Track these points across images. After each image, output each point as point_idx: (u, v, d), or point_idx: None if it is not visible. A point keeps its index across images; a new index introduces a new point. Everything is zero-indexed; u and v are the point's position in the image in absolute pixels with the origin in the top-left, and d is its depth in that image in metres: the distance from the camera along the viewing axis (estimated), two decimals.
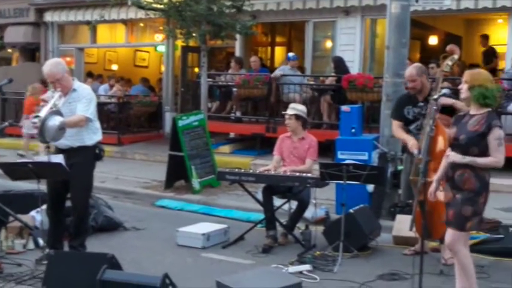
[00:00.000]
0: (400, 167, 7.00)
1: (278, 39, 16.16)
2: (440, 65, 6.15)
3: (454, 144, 4.61)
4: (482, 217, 4.63)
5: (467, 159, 4.49)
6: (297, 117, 6.80)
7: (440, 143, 5.51)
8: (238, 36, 12.55)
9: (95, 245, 6.07)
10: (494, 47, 12.87)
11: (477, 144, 4.51)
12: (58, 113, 5.38)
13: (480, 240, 5.99)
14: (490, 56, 12.60)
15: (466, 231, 4.61)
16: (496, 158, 4.49)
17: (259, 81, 11.31)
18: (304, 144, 6.85)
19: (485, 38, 13.12)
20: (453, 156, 4.55)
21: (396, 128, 6.32)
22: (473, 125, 4.55)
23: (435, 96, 5.40)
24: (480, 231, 5.82)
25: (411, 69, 6.18)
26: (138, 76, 16.03)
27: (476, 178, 4.51)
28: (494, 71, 10.90)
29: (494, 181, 4.68)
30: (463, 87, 4.65)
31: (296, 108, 6.95)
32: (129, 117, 13.94)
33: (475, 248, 5.64)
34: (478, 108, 4.60)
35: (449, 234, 4.62)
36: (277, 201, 6.73)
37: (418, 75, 6.09)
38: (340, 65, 10.87)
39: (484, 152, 4.51)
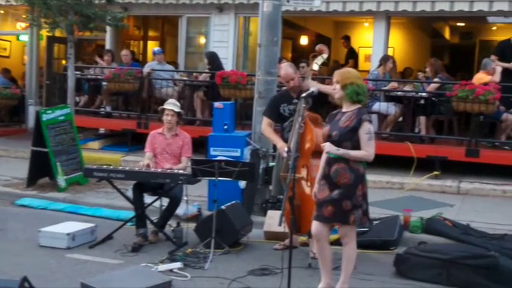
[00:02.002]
0: (271, 164, 7.09)
1: (151, 33, 15.86)
2: (310, 64, 6.29)
3: (328, 141, 4.75)
4: (365, 210, 4.78)
5: (341, 151, 4.64)
6: (178, 114, 6.76)
7: (308, 139, 5.64)
8: (108, 28, 12.15)
9: None
10: (354, 48, 13.56)
11: (349, 139, 4.66)
12: None
13: None
14: (351, 56, 13.26)
15: (350, 225, 4.75)
16: (366, 151, 4.66)
17: (130, 75, 11.01)
18: (178, 141, 6.76)
19: (347, 39, 13.77)
20: (328, 147, 4.68)
21: (266, 126, 6.37)
22: (344, 121, 4.71)
23: (304, 94, 5.52)
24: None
25: (287, 69, 6.20)
26: None
27: (350, 171, 4.66)
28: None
29: None
30: (336, 87, 4.79)
31: (176, 104, 6.89)
32: None
33: None
34: (350, 105, 4.77)
35: (340, 229, 4.83)
36: (148, 199, 6.56)
37: (295, 73, 6.19)
38: (213, 61, 10.83)
39: (357, 147, 4.68)
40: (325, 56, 6.17)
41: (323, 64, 6.40)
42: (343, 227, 4.79)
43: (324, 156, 4.85)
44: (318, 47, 6.20)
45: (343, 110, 4.81)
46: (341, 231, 4.84)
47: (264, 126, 6.39)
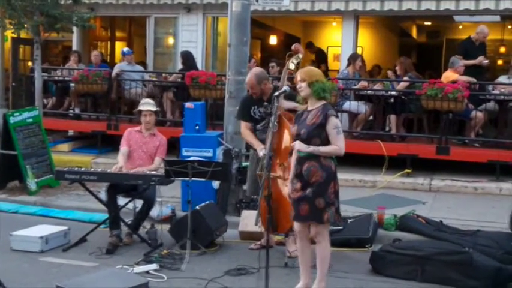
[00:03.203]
0: (244, 163, 7.08)
1: (118, 34, 15.70)
2: (285, 63, 6.29)
3: (297, 140, 4.76)
4: (337, 208, 4.80)
5: (311, 148, 4.66)
6: (155, 112, 6.73)
7: (286, 138, 5.64)
8: (75, 29, 11.98)
9: None
10: (323, 50, 13.64)
11: (318, 135, 4.68)
12: None
13: None
14: (321, 59, 13.34)
15: (324, 223, 4.76)
16: (336, 145, 4.69)
17: (98, 76, 10.87)
18: (155, 141, 6.74)
19: (310, 45, 13.85)
20: (298, 145, 4.71)
21: (244, 129, 6.37)
22: (311, 119, 4.73)
23: (276, 93, 5.52)
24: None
25: (252, 78, 6.18)
26: None
27: (322, 169, 4.67)
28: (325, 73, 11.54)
29: None
30: (302, 85, 4.80)
31: (152, 103, 6.85)
32: None
33: None
34: (315, 102, 4.80)
35: (313, 228, 4.79)
36: (121, 201, 6.49)
37: (258, 84, 6.15)
38: (187, 61, 10.74)
39: (326, 143, 4.70)
40: (300, 55, 6.19)
41: (297, 64, 6.42)
42: (316, 225, 4.78)
43: (294, 156, 4.86)
44: (294, 46, 6.22)
45: (309, 108, 4.84)
46: (314, 230, 4.81)
47: (243, 129, 6.39)
